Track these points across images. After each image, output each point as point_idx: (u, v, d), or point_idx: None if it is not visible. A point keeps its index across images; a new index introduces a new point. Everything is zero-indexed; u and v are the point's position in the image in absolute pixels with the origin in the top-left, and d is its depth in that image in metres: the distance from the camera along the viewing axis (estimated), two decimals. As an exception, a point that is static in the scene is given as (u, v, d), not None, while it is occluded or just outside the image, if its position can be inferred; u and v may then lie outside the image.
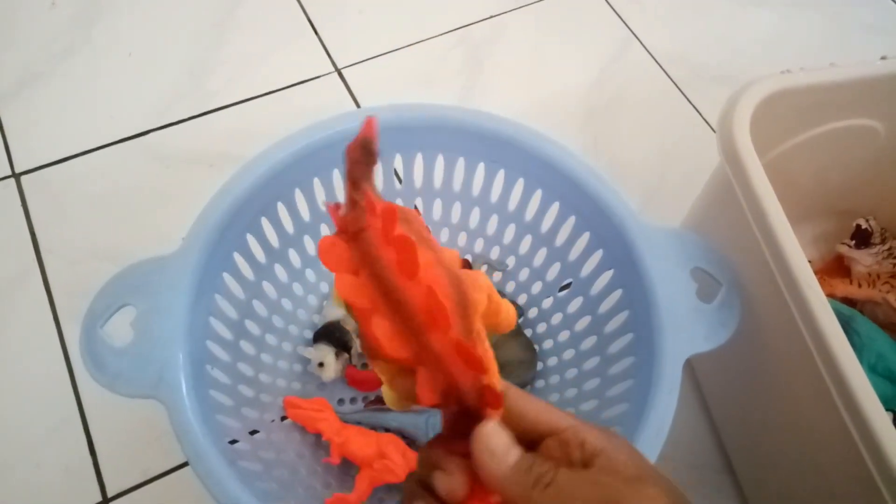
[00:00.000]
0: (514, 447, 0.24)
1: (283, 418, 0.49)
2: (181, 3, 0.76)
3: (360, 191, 0.24)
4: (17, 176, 0.63)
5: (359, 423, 0.49)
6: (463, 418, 0.24)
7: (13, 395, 0.53)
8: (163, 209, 0.63)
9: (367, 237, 0.23)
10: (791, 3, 0.83)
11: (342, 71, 0.72)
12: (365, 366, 0.54)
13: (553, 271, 0.54)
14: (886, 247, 0.59)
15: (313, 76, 0.72)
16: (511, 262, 0.57)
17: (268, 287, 0.50)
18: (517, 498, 0.23)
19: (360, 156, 0.24)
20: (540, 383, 0.54)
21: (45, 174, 0.64)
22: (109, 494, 0.50)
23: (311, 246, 0.53)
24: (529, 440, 0.25)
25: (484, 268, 0.58)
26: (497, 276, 0.58)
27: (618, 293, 0.46)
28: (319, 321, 0.54)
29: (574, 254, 0.50)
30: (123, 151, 0.66)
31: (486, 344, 0.24)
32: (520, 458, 0.23)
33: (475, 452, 0.23)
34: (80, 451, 0.51)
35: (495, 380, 0.24)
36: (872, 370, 0.51)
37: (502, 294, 0.57)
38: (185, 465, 0.52)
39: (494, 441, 0.24)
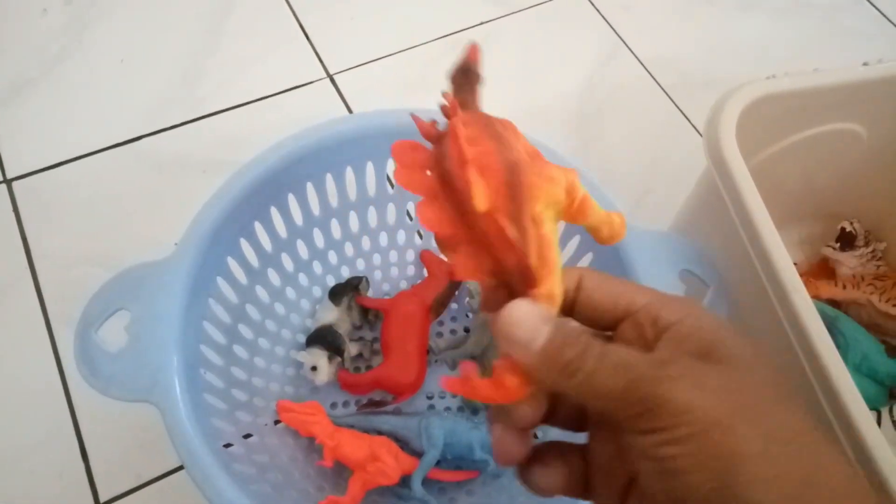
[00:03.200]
0: (544, 325, 0.22)
1: (277, 422, 0.49)
2: (173, 9, 0.76)
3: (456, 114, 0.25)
4: (8, 182, 0.63)
5: (351, 427, 0.49)
6: (503, 294, 0.23)
7: (5, 401, 0.53)
8: (154, 214, 0.63)
9: (443, 142, 0.24)
10: (776, 9, 0.84)
11: (334, 77, 0.73)
12: (357, 369, 0.55)
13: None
14: (870, 249, 0.60)
15: (305, 82, 0.72)
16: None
17: (261, 291, 0.51)
18: (547, 385, 0.22)
19: (463, 79, 0.26)
20: (531, 385, 0.55)
21: (37, 180, 0.64)
22: (102, 500, 0.50)
23: (303, 250, 0.53)
24: (611, 326, 0.23)
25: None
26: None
27: (608, 296, 0.47)
28: (312, 325, 0.55)
29: (565, 256, 0.51)
30: (115, 157, 0.66)
31: (544, 230, 0.23)
32: (547, 340, 0.21)
33: (499, 334, 0.22)
34: (72, 456, 0.51)
35: (549, 266, 0.23)
36: (857, 370, 0.52)
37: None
38: (177, 469, 0.52)
39: (516, 315, 0.22)
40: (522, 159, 0.24)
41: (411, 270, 0.59)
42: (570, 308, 0.24)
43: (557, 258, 0.23)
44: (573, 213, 0.25)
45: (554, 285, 0.23)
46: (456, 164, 0.23)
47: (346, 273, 0.57)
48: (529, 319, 0.22)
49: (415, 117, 0.26)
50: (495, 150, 0.23)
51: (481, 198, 0.22)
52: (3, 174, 0.64)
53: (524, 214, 0.23)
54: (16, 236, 0.60)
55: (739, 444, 0.19)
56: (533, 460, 0.25)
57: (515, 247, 0.23)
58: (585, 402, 0.21)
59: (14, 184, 0.63)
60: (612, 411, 0.21)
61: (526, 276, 0.23)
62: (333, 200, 0.51)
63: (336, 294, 0.54)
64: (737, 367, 0.21)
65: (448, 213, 0.24)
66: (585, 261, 0.48)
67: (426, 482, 0.48)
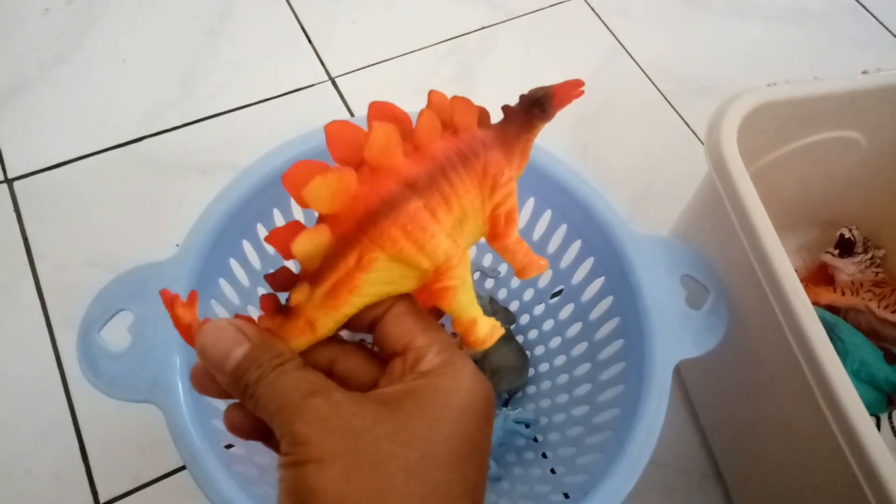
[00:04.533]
0: (237, 349, 0.23)
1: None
2: (175, 10, 0.76)
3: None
4: (9, 182, 0.63)
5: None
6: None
7: (5, 401, 0.53)
8: (155, 216, 0.63)
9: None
10: (774, 17, 0.85)
11: (336, 79, 0.73)
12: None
13: (545, 278, 0.54)
14: (869, 256, 0.60)
15: (307, 84, 0.72)
16: (503, 269, 0.57)
17: (263, 293, 0.51)
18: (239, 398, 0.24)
19: (531, 105, 0.25)
20: (531, 389, 0.55)
21: (38, 180, 0.64)
22: (101, 500, 0.50)
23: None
24: (390, 357, 0.25)
25: (477, 275, 0.58)
26: (489, 282, 0.58)
27: (608, 300, 0.47)
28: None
29: (565, 261, 0.51)
30: (116, 158, 0.66)
31: (358, 273, 0.24)
32: (236, 365, 0.23)
33: (196, 347, 0.24)
34: (72, 456, 0.51)
35: (334, 302, 0.24)
36: (856, 376, 0.52)
37: (495, 300, 0.57)
38: (176, 470, 0.52)
39: (210, 334, 0.24)
40: (408, 209, 0.23)
41: (412, 273, 0.59)
42: (367, 330, 0.25)
43: (350, 301, 0.24)
44: (432, 292, 0.25)
45: (322, 319, 0.24)
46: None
47: (346, 275, 0.57)
48: (221, 342, 0.23)
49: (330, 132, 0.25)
50: (393, 187, 0.23)
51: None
52: (5, 174, 0.64)
53: (352, 247, 0.23)
54: (17, 236, 0.60)
55: (324, 482, 0.20)
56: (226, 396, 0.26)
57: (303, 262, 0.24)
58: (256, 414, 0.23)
59: (15, 184, 0.63)
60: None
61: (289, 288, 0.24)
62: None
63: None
64: (413, 420, 0.22)
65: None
66: (587, 265, 0.49)
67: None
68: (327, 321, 0.24)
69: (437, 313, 0.27)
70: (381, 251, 0.23)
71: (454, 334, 0.28)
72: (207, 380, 0.25)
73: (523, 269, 0.26)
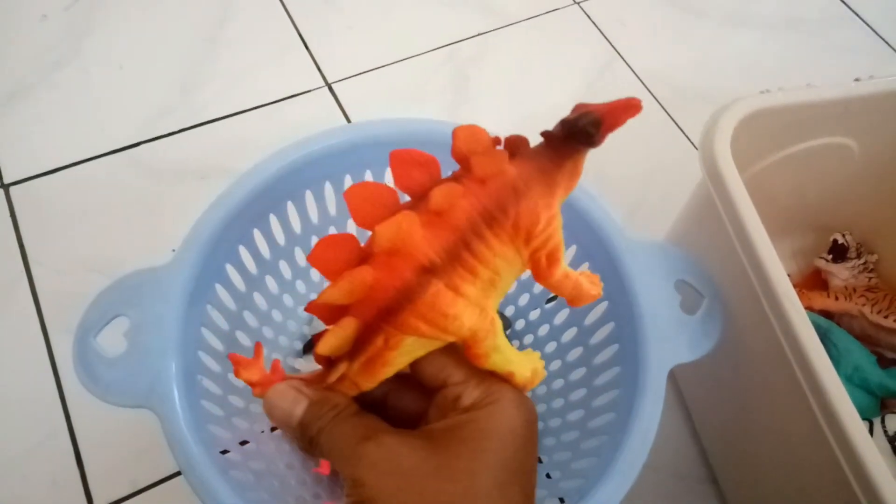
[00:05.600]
0: (296, 408, 0.26)
1: (273, 429, 0.49)
2: (173, 16, 0.76)
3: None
4: (5, 187, 0.63)
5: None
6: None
7: (1, 407, 0.53)
8: (152, 221, 0.63)
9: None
10: (769, 25, 0.85)
11: (332, 85, 0.73)
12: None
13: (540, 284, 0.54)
14: (862, 261, 0.61)
15: (304, 90, 0.73)
16: (499, 274, 0.57)
17: (259, 299, 0.51)
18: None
19: (573, 129, 0.23)
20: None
21: (35, 185, 0.64)
22: (97, 506, 0.50)
23: (301, 258, 0.53)
24: (432, 393, 0.27)
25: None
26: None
27: (603, 305, 0.47)
28: (309, 332, 0.55)
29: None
30: (114, 163, 0.66)
31: (389, 353, 0.25)
32: (299, 421, 0.26)
33: (265, 409, 0.27)
34: (67, 462, 0.51)
35: (370, 375, 0.26)
36: (849, 381, 0.53)
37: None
38: (172, 476, 0.52)
39: (273, 397, 0.27)
40: (425, 299, 0.23)
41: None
42: (407, 368, 0.27)
43: (385, 371, 0.26)
44: (467, 355, 0.26)
45: (365, 383, 0.26)
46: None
47: (343, 281, 0.57)
48: (283, 402, 0.26)
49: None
50: (409, 274, 0.23)
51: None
52: (1, 179, 0.64)
53: (376, 333, 0.24)
54: (13, 242, 0.60)
55: None
56: None
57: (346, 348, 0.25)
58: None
59: (11, 189, 0.63)
60: None
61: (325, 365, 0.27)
62: (332, 209, 0.51)
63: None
64: (457, 455, 0.23)
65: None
66: (582, 270, 0.49)
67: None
68: (370, 384, 0.26)
69: None
70: (405, 335, 0.24)
71: None
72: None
73: (572, 300, 0.27)
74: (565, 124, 0.23)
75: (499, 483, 0.23)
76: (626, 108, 0.22)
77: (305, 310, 0.26)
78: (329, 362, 0.27)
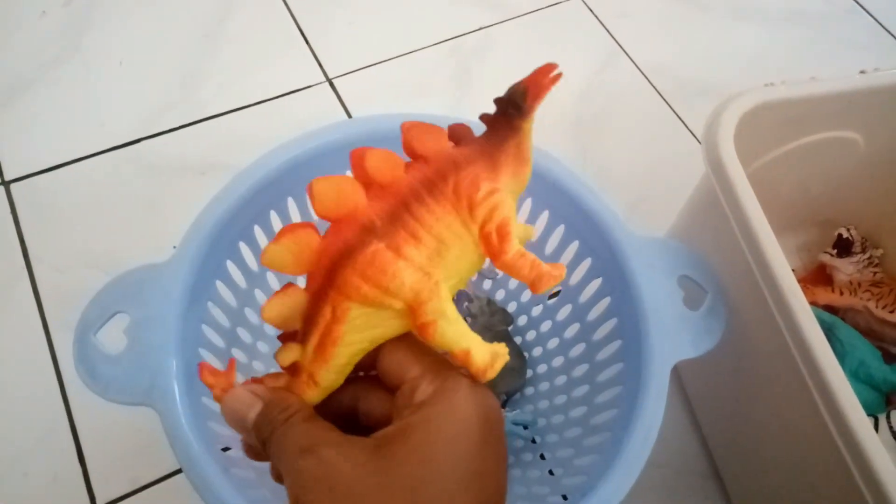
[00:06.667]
0: (250, 411, 0.25)
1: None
2: (172, 12, 0.76)
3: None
4: (6, 184, 0.63)
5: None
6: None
7: (2, 404, 0.53)
8: (153, 218, 0.63)
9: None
10: (773, 19, 0.85)
11: (333, 81, 0.73)
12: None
13: (542, 280, 0.54)
14: (867, 256, 0.60)
15: (304, 86, 0.72)
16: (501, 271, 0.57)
17: (259, 295, 0.50)
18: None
19: (506, 106, 0.24)
20: (529, 390, 0.55)
21: (35, 182, 0.64)
22: (99, 503, 0.50)
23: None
24: (394, 390, 0.25)
25: (474, 276, 0.58)
26: (487, 284, 0.58)
27: (606, 301, 0.47)
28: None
29: (563, 262, 0.51)
30: (114, 160, 0.66)
31: (337, 325, 0.24)
32: (253, 423, 0.25)
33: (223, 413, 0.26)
34: (68, 459, 0.51)
35: (325, 356, 0.25)
36: (854, 376, 0.52)
37: (493, 301, 0.57)
38: (174, 473, 0.52)
39: (229, 402, 0.26)
40: (365, 254, 0.23)
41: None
42: (368, 370, 0.27)
43: (338, 352, 0.25)
44: (415, 329, 0.25)
45: (320, 372, 0.25)
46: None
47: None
48: (239, 405, 0.26)
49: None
50: (349, 234, 0.23)
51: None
52: (2, 176, 0.64)
53: (324, 302, 0.24)
54: (13, 239, 0.60)
55: None
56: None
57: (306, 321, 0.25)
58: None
59: (12, 186, 0.63)
60: None
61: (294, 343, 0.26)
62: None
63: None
64: (401, 466, 0.22)
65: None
66: (585, 265, 0.49)
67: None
68: (326, 374, 0.25)
69: None
70: (349, 300, 0.24)
71: None
72: (256, 446, 0.26)
73: (533, 283, 0.25)
74: (497, 101, 0.24)
75: (447, 496, 0.22)
76: (545, 74, 0.24)
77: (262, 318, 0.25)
78: (291, 369, 0.26)
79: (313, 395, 0.26)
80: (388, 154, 0.24)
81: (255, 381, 0.27)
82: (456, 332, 0.24)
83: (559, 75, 0.24)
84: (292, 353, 0.25)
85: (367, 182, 0.24)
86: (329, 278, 0.23)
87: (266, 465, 0.44)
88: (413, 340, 0.25)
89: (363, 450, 0.23)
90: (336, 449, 0.23)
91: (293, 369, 0.26)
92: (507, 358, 0.25)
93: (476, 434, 0.23)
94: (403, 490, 0.22)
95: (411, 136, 0.24)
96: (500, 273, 0.57)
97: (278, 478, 0.26)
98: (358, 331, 0.24)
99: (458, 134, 0.25)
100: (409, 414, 0.23)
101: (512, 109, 0.24)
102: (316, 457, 0.22)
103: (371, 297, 0.23)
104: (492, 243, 0.24)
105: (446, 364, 0.25)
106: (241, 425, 0.26)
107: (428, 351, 0.25)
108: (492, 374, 0.25)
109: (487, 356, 0.25)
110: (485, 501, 0.23)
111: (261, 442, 0.25)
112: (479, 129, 0.26)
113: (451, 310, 0.24)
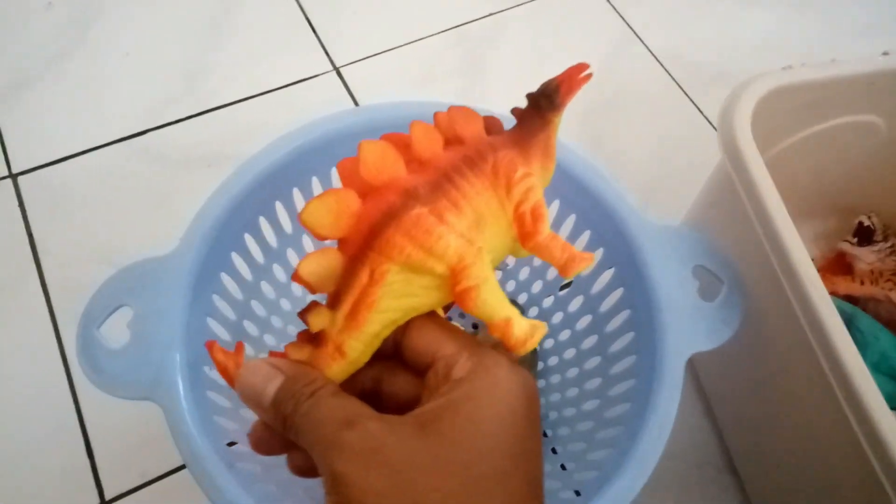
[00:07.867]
0: (269, 384, 0.24)
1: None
2: (178, 3, 0.75)
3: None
4: (14, 176, 0.63)
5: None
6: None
7: (10, 397, 0.53)
8: (161, 209, 0.62)
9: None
10: (790, 3, 0.82)
11: (340, 69, 0.72)
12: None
13: (553, 270, 0.53)
14: (889, 244, 0.59)
15: (311, 75, 0.72)
16: (511, 261, 0.56)
17: (266, 287, 0.50)
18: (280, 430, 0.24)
19: (540, 101, 0.25)
20: (541, 383, 0.54)
21: (43, 174, 0.63)
22: (107, 497, 0.50)
23: (308, 245, 0.52)
24: (423, 371, 0.24)
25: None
26: (497, 275, 0.58)
27: (619, 292, 0.46)
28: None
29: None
30: (121, 152, 0.65)
31: (373, 288, 0.23)
32: (273, 398, 0.23)
33: (236, 389, 0.25)
34: (77, 453, 0.51)
35: (356, 322, 0.24)
36: (875, 368, 0.51)
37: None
38: (184, 466, 0.51)
39: (244, 377, 0.24)
40: (410, 216, 0.23)
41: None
42: (392, 351, 0.25)
43: (371, 318, 0.24)
44: (455, 296, 0.24)
45: (349, 341, 0.24)
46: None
47: (352, 269, 0.56)
48: (256, 379, 0.24)
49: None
50: (394, 198, 0.23)
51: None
52: (9, 169, 0.63)
53: (362, 264, 0.23)
54: (21, 231, 0.60)
55: None
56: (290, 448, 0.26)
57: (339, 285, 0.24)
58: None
59: (20, 178, 0.63)
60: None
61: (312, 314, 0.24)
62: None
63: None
64: (451, 442, 0.21)
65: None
66: (597, 256, 0.48)
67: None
68: (355, 343, 0.24)
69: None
70: (390, 262, 0.23)
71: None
72: (267, 435, 0.25)
73: (564, 265, 0.24)
74: (530, 96, 0.25)
75: (500, 473, 0.21)
76: (578, 71, 0.25)
77: (292, 279, 0.24)
78: (305, 337, 0.25)
79: (339, 369, 0.24)
80: (430, 129, 0.24)
81: (274, 354, 0.25)
82: (496, 300, 0.24)
83: (590, 75, 0.25)
84: (322, 318, 0.24)
85: (407, 157, 0.24)
86: (369, 241, 0.23)
87: (273, 460, 0.44)
88: (441, 320, 0.25)
89: (407, 425, 0.22)
90: (381, 423, 0.22)
91: (318, 339, 0.24)
92: (545, 331, 0.25)
93: (522, 411, 0.22)
94: (456, 466, 0.21)
95: (454, 118, 0.24)
96: (510, 263, 0.57)
97: (297, 469, 0.25)
98: (394, 296, 0.23)
99: (490, 125, 0.26)
100: (449, 390, 0.22)
101: (544, 102, 0.25)
102: (362, 429, 0.21)
103: (414, 258, 0.23)
104: (526, 223, 0.24)
105: (481, 343, 0.24)
106: (258, 401, 0.24)
107: (459, 331, 0.25)
108: (531, 345, 0.24)
109: (527, 327, 0.24)
110: (531, 481, 0.22)
111: (280, 419, 0.23)
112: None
113: (492, 277, 0.24)
